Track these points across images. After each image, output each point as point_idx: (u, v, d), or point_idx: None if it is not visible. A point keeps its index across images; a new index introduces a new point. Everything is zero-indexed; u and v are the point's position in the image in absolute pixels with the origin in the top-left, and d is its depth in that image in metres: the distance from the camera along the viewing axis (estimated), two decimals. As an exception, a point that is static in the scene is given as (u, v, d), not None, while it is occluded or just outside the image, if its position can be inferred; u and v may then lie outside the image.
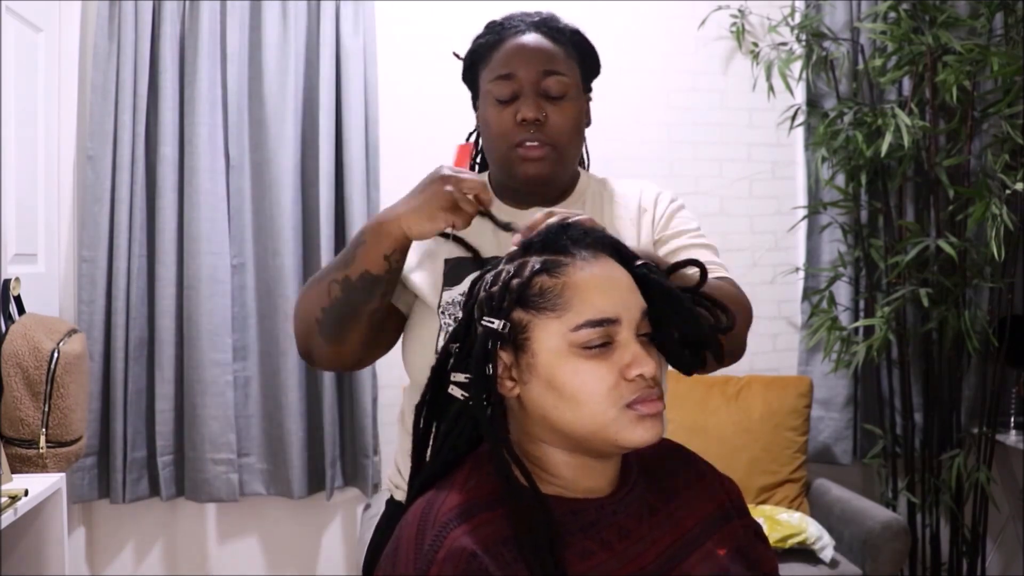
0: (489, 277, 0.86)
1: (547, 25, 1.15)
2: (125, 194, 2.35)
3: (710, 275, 1.04)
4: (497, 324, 0.81)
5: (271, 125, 2.43)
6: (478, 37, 1.19)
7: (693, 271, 0.93)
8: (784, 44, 2.70)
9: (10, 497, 1.59)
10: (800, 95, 2.75)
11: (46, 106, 2.26)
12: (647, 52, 2.76)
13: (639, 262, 0.87)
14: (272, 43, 2.43)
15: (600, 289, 0.82)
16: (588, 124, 1.22)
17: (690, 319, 0.87)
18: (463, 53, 1.22)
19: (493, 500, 0.80)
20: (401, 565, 0.77)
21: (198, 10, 2.38)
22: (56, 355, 1.87)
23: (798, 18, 2.69)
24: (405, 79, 2.63)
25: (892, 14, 2.51)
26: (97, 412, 2.35)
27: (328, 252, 2.44)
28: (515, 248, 0.88)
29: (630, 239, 1.15)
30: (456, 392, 0.85)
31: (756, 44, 2.74)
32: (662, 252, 1.14)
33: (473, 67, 1.19)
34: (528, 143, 1.10)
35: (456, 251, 1.13)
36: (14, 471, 1.82)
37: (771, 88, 2.66)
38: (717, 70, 2.81)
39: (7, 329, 1.90)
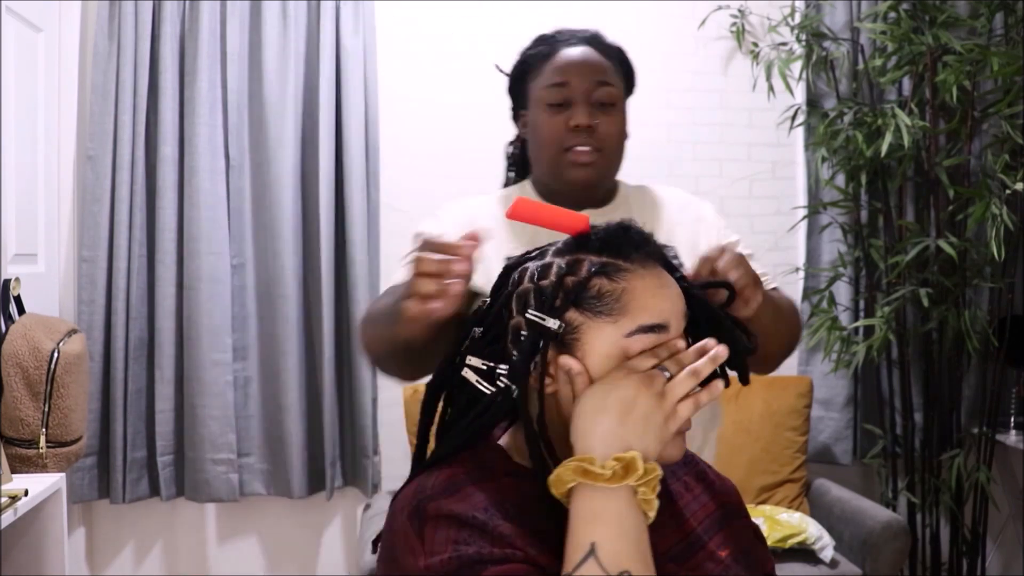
0: (535, 268, 0.83)
1: (597, 40, 1.23)
2: (125, 194, 2.35)
3: (770, 285, 1.17)
4: (552, 324, 0.79)
5: (271, 125, 2.43)
6: (528, 48, 1.25)
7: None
8: (784, 44, 2.70)
9: (10, 497, 1.59)
10: (800, 95, 2.75)
11: (46, 106, 2.26)
12: (647, 52, 2.74)
13: (678, 275, 0.86)
14: (272, 43, 2.43)
15: (657, 296, 0.80)
16: (627, 136, 1.27)
17: (728, 338, 0.85)
18: (504, 67, 1.28)
19: (491, 473, 0.80)
20: (399, 543, 0.77)
21: (198, 10, 2.38)
22: (56, 355, 1.87)
23: (798, 18, 2.69)
24: (405, 79, 2.63)
25: (892, 14, 2.51)
26: (97, 412, 2.35)
27: (328, 252, 2.44)
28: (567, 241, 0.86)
29: (686, 243, 1.21)
30: (470, 376, 0.83)
31: (756, 44, 2.74)
32: None
33: (522, 77, 1.25)
34: (578, 148, 1.16)
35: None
36: (14, 471, 1.82)
37: (771, 88, 2.66)
38: (717, 70, 2.81)
39: (7, 329, 1.90)
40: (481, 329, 0.84)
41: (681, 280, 0.86)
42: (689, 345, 0.84)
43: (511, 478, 0.80)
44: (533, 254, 0.86)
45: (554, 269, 0.81)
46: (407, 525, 0.76)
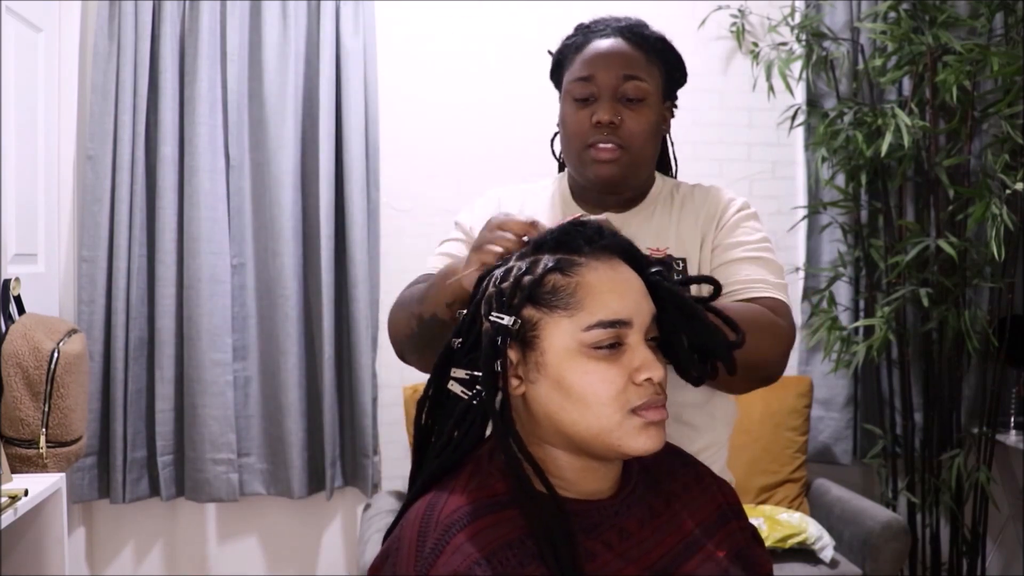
0: (499, 273, 0.85)
1: (632, 31, 1.17)
2: (125, 194, 2.35)
3: (755, 293, 1.07)
4: (508, 320, 0.81)
5: (271, 125, 2.43)
6: (566, 38, 1.22)
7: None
8: (784, 44, 2.70)
9: (10, 497, 1.59)
10: (800, 95, 2.75)
11: (46, 106, 2.26)
12: (647, 52, 2.75)
13: (653, 269, 0.87)
14: (272, 43, 2.43)
15: (613, 291, 0.81)
16: (667, 131, 1.24)
17: (701, 327, 0.86)
18: (553, 50, 1.24)
19: (496, 503, 0.80)
20: (401, 566, 0.77)
21: (198, 10, 2.38)
22: (56, 355, 1.87)
23: (798, 18, 2.69)
24: (405, 79, 2.64)
25: (892, 14, 2.51)
26: (97, 412, 2.35)
27: (328, 252, 2.44)
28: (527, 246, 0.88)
29: (693, 246, 1.17)
30: (456, 388, 0.84)
31: (756, 44, 2.74)
32: (717, 260, 1.15)
33: (559, 66, 1.22)
34: (601, 144, 1.13)
35: None
36: (14, 471, 1.82)
37: (771, 88, 2.66)
38: (717, 70, 2.81)
39: (7, 329, 1.90)
40: (459, 340, 0.85)
41: (653, 274, 0.86)
42: (657, 339, 0.85)
43: (510, 510, 0.80)
44: (500, 264, 0.88)
45: (514, 271, 0.83)
46: (413, 542, 0.78)
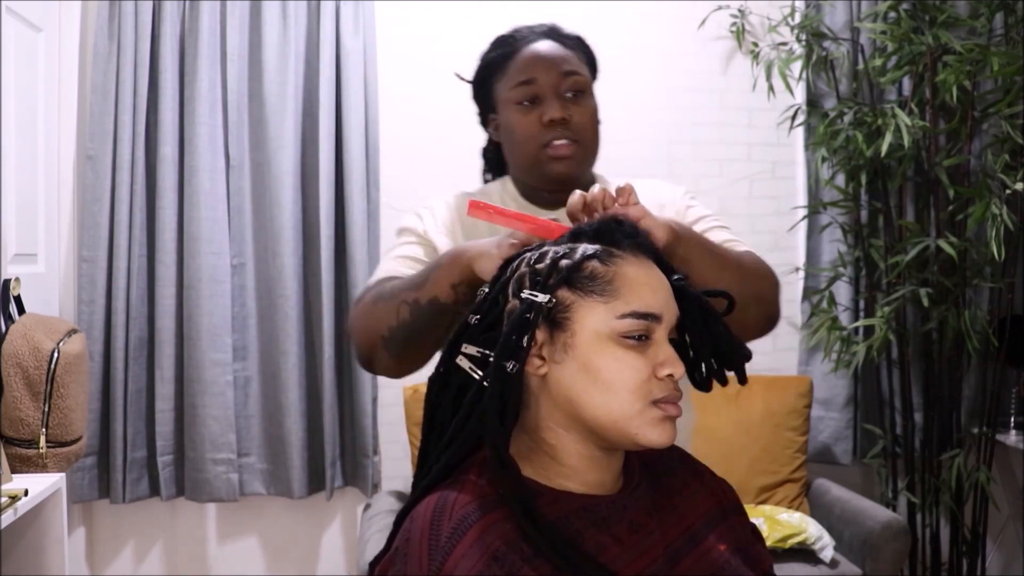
0: (532, 255, 0.87)
1: (556, 32, 1.22)
2: (125, 194, 2.35)
3: (731, 247, 1.16)
4: (542, 298, 0.82)
5: (271, 125, 2.43)
6: (487, 52, 1.24)
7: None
8: (784, 44, 2.70)
9: (10, 497, 1.59)
10: (800, 95, 2.75)
11: (46, 106, 2.26)
12: (647, 52, 2.76)
13: (676, 276, 0.89)
14: (272, 43, 2.43)
15: (648, 285, 0.83)
16: (599, 122, 1.25)
17: (720, 335, 0.89)
18: (466, 75, 1.26)
19: (496, 499, 0.81)
20: (412, 559, 0.77)
21: (198, 10, 2.38)
22: (56, 355, 1.87)
23: (798, 18, 2.69)
24: (405, 79, 2.64)
25: (892, 14, 2.51)
26: (97, 412, 2.35)
27: (328, 252, 2.44)
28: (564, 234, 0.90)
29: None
30: (464, 363, 0.85)
31: (756, 44, 2.74)
32: None
33: (486, 81, 1.24)
34: (556, 142, 1.16)
35: None
36: (14, 471, 1.82)
37: (771, 88, 2.66)
38: (717, 70, 2.81)
39: (7, 329, 1.90)
40: (477, 316, 0.86)
41: (678, 279, 0.88)
42: (680, 344, 0.86)
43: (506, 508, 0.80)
44: (532, 248, 0.90)
45: (550, 254, 0.85)
46: (426, 532, 0.78)
